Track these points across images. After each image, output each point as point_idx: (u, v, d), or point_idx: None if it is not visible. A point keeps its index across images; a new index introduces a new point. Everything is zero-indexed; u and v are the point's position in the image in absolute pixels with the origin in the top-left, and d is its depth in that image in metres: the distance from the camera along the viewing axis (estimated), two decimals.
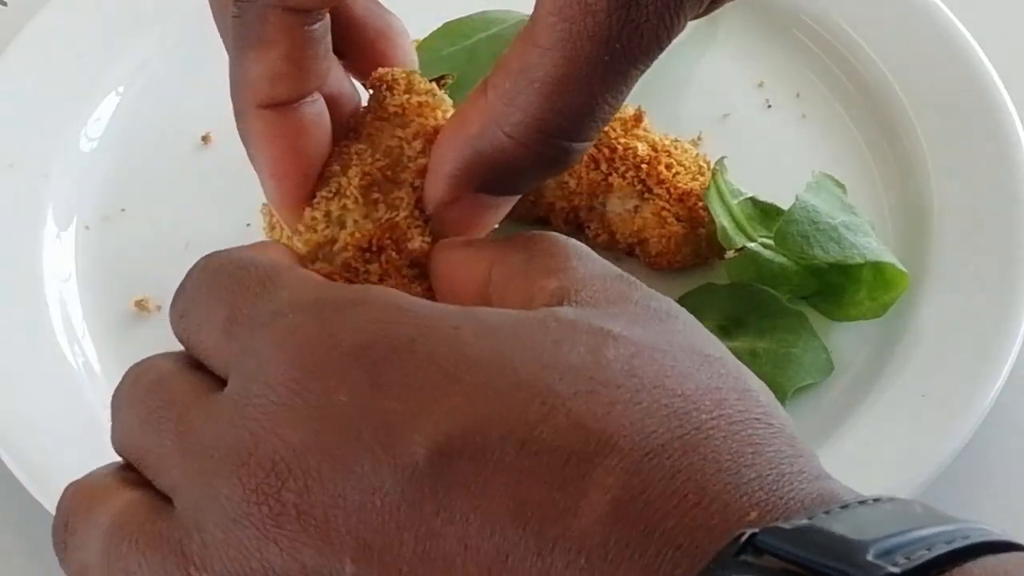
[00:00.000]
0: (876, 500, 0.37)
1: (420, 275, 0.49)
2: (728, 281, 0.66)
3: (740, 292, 0.65)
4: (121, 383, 0.45)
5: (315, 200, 0.50)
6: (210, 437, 0.40)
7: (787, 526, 0.35)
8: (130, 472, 0.43)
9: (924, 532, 0.35)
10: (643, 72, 0.46)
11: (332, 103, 0.51)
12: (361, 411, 0.38)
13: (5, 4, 0.80)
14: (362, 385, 0.38)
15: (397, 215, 0.49)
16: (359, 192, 0.49)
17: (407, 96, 0.52)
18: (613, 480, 0.37)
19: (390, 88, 0.52)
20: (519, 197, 0.50)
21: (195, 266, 0.45)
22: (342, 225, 0.50)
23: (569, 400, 0.38)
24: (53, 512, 0.60)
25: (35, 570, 0.62)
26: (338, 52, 0.52)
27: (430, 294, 0.49)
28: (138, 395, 0.43)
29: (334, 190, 0.50)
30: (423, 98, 0.52)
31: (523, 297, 0.44)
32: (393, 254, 0.49)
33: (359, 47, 0.53)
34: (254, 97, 0.49)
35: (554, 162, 0.47)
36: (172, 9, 0.76)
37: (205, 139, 0.72)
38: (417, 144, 0.50)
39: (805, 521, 0.35)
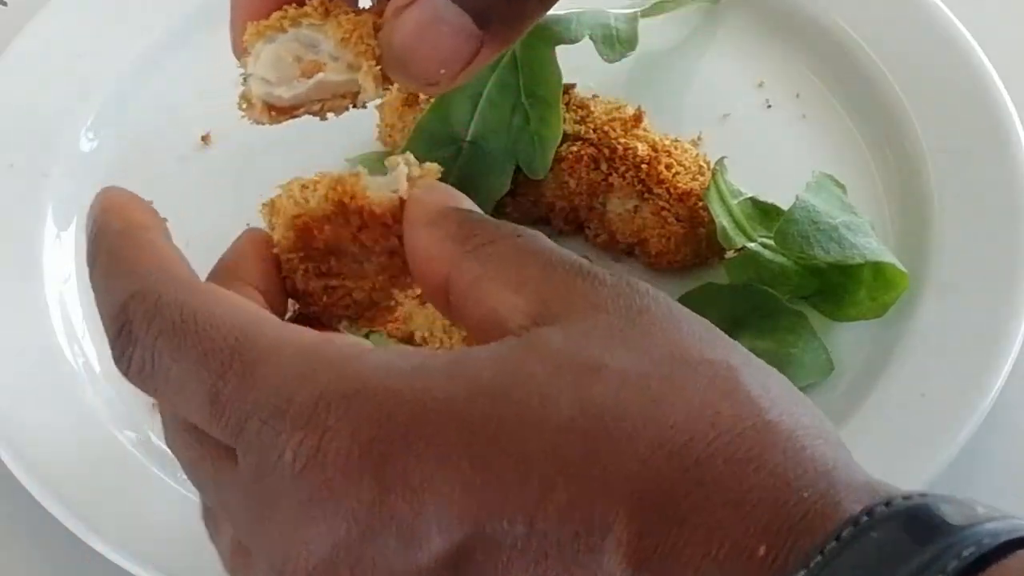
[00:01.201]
0: (868, 518, 0.36)
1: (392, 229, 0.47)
2: (728, 281, 0.66)
3: (740, 292, 0.65)
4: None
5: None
6: (245, 529, 0.41)
7: None
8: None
9: (911, 566, 0.35)
10: None
11: None
12: (375, 516, 0.39)
13: (5, 4, 0.80)
14: (371, 489, 0.39)
15: (353, 30, 0.47)
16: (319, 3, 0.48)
17: None
18: (625, 548, 0.37)
19: None
20: (481, 57, 0.47)
21: (135, 308, 0.43)
22: (295, 22, 0.48)
23: (565, 470, 0.38)
24: (53, 512, 0.60)
25: (36, 570, 0.62)
26: None
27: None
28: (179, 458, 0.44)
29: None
30: None
31: (490, 316, 0.43)
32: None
33: None
34: None
35: None
36: (171, 9, 0.76)
37: (205, 139, 0.72)
38: None
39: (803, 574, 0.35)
